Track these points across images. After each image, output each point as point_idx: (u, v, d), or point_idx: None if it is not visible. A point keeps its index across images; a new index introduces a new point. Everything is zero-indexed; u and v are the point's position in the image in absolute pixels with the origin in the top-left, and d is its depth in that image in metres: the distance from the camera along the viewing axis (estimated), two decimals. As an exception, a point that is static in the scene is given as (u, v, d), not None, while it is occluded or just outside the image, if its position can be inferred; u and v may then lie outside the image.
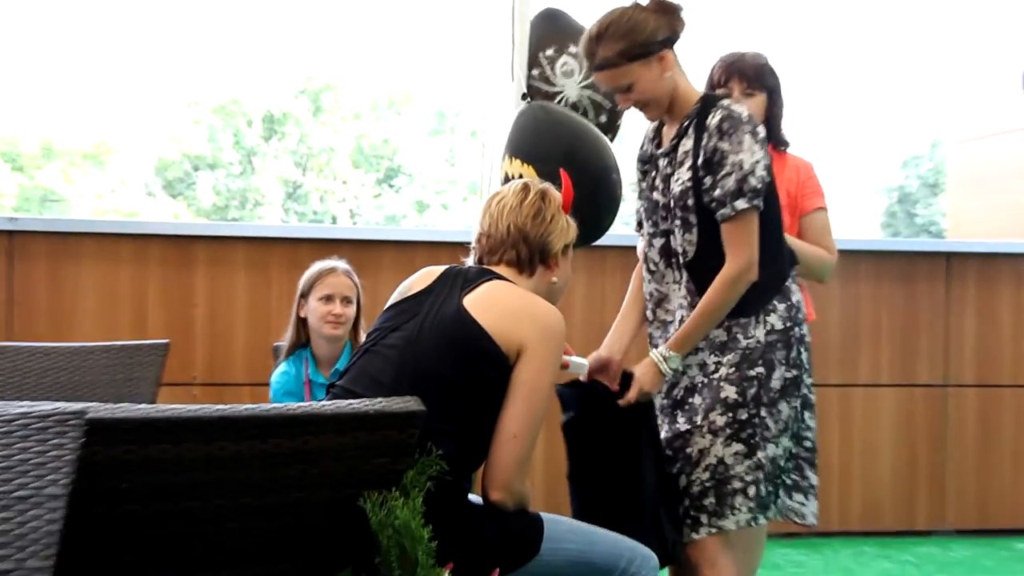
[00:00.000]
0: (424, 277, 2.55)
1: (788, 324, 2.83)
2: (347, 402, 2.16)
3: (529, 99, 3.10)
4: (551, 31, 3.17)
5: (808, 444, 2.92)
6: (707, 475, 2.78)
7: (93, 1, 42.65)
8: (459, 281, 2.47)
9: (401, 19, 54.03)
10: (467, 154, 36.44)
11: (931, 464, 5.58)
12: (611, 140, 3.23)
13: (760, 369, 2.79)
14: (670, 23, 2.78)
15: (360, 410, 2.11)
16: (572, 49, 3.15)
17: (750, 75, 3.49)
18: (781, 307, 2.82)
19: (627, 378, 2.81)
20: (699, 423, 2.79)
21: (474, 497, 2.45)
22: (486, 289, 2.43)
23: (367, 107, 38.22)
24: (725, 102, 2.84)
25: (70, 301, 4.70)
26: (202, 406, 2.00)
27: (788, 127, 3.61)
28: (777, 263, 2.82)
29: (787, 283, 2.86)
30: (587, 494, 2.87)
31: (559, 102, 3.11)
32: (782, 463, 2.83)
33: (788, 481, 2.86)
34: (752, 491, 2.77)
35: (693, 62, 2.85)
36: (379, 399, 2.14)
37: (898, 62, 47.59)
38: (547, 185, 2.58)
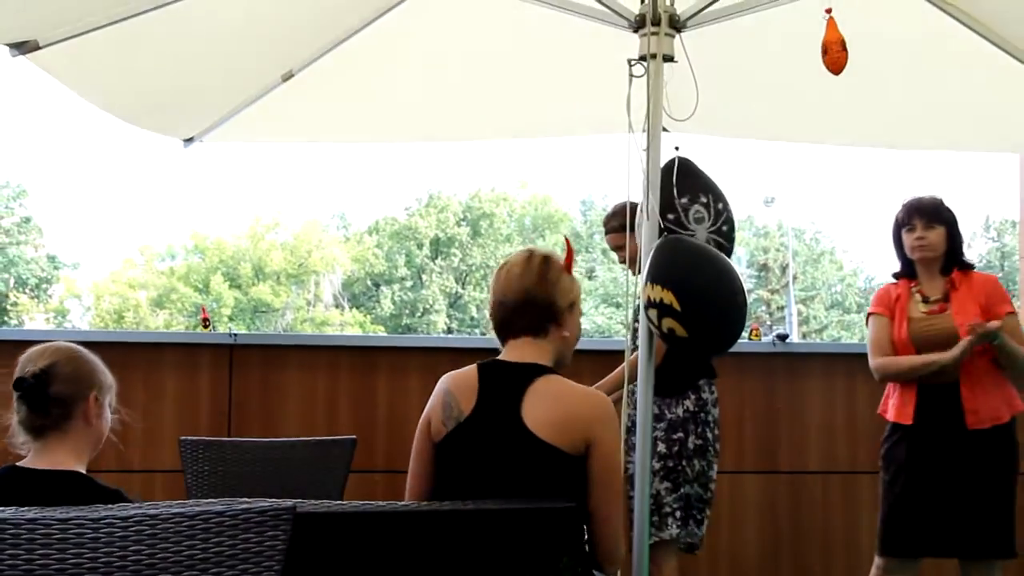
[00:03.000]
0: (465, 390, 2.34)
1: (697, 410, 3.60)
2: (510, 501, 2.13)
3: (666, 233, 3.07)
4: (683, 181, 3.16)
5: (710, 495, 3.63)
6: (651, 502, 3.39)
7: (299, 160, 44.43)
8: (501, 390, 2.29)
9: (549, 160, 54.94)
10: (601, 269, 36.47)
11: None
12: None
13: (680, 434, 3.57)
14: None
15: (520, 506, 2.08)
16: (702, 199, 3.14)
17: (929, 213, 3.66)
18: (693, 397, 3.60)
19: None
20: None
21: None
22: (535, 397, 2.25)
23: (516, 231, 38.79)
24: None
25: (277, 402, 4.79)
26: (389, 503, 2.00)
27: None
28: (686, 372, 3.57)
29: (700, 384, 3.62)
30: None
31: None
32: (694, 501, 3.58)
33: (699, 517, 3.59)
34: (679, 514, 3.55)
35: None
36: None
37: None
38: (550, 251, 2.47)
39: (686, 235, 3.08)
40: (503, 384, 2.31)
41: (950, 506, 3.53)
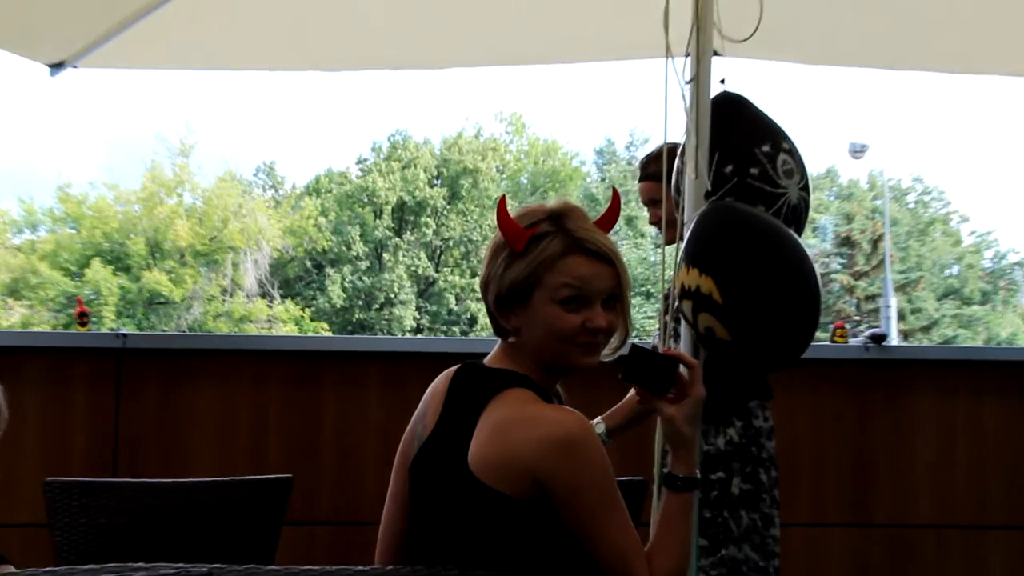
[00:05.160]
0: (437, 398, 2.44)
1: (745, 442, 3.45)
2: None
3: (713, 197, 3.02)
4: (758, 125, 3.13)
5: (773, 564, 3.44)
6: None
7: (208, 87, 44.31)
8: (463, 406, 2.35)
9: (554, 94, 54.93)
10: (626, 245, 36.57)
11: None
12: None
13: (721, 474, 3.42)
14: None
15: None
16: (785, 145, 3.09)
17: None
18: (739, 425, 3.45)
19: None
20: None
21: None
22: (486, 421, 2.28)
23: (510, 192, 38.83)
24: None
25: (182, 430, 4.79)
26: (337, 568, 2.02)
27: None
28: (730, 389, 3.40)
29: (752, 407, 3.47)
30: None
31: (782, 205, 3.07)
32: (744, 569, 3.38)
33: None
34: None
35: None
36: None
37: None
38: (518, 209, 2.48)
39: (778, 193, 3.03)
40: (468, 398, 2.37)
41: None
